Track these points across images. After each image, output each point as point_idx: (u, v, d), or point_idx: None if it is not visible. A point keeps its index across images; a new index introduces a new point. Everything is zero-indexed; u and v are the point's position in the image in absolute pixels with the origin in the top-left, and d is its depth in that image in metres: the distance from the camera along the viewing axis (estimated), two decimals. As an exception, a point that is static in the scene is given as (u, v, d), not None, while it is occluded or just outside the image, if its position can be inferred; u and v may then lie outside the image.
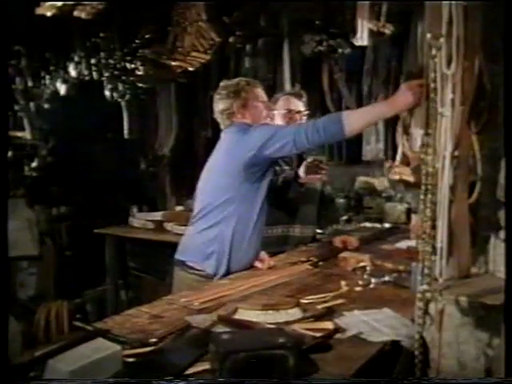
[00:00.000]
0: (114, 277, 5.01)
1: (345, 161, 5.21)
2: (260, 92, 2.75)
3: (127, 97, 5.39)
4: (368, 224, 3.98)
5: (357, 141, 5.06)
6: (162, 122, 5.80)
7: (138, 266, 4.96)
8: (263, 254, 2.76)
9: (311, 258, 2.72)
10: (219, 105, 2.74)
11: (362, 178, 4.81)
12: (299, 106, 3.18)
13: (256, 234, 2.65)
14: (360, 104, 4.80)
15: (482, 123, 1.54)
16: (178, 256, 2.72)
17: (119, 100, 5.40)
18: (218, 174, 2.67)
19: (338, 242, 3.08)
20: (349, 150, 5.19)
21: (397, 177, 2.43)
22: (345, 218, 4.22)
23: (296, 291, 2.23)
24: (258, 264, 2.69)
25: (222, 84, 2.83)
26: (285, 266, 2.68)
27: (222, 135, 2.76)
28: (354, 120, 2.35)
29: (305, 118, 3.21)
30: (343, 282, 2.29)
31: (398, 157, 2.34)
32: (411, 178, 2.18)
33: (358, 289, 2.26)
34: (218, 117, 2.77)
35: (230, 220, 2.57)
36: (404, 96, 2.10)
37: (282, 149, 2.46)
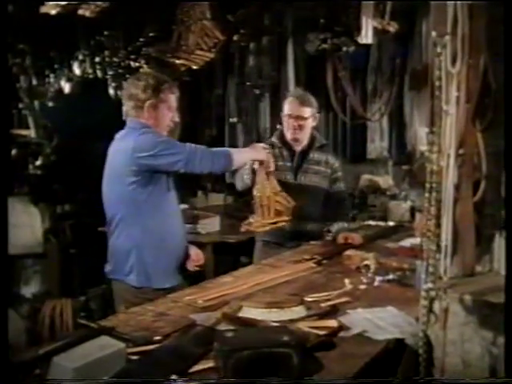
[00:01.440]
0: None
1: (349, 159, 5.20)
2: (174, 100, 2.60)
3: (131, 95, 5.39)
4: (372, 222, 3.97)
5: (361, 139, 5.07)
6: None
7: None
8: (195, 253, 2.69)
9: (315, 256, 2.72)
10: (131, 89, 2.53)
11: (366, 176, 4.81)
12: (301, 111, 3.11)
13: (171, 239, 2.53)
14: (365, 102, 4.80)
15: (487, 121, 1.54)
16: (107, 268, 2.60)
17: (123, 98, 5.40)
18: (113, 180, 2.53)
19: (340, 238, 3.08)
20: (353, 148, 5.19)
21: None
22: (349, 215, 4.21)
23: (300, 289, 2.23)
24: (189, 264, 2.63)
25: (145, 70, 2.74)
26: (288, 264, 2.67)
27: (123, 132, 2.61)
28: (239, 157, 2.62)
29: (308, 124, 3.16)
30: (347, 280, 2.29)
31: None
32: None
33: (362, 287, 2.26)
34: (124, 100, 2.58)
35: (135, 231, 2.45)
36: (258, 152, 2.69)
37: (172, 164, 2.44)
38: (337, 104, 4.81)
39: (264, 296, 2.10)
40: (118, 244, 2.52)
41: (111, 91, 5.25)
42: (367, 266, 2.51)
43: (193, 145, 2.50)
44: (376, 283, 2.31)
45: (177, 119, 2.63)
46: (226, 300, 2.07)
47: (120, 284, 2.51)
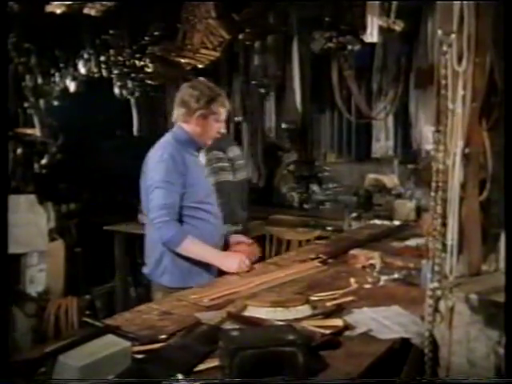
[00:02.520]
0: (124, 273, 5.03)
1: (354, 158, 5.20)
2: (224, 113, 2.68)
3: (136, 94, 5.40)
4: (377, 221, 3.96)
5: (366, 138, 5.06)
6: (171, 119, 5.80)
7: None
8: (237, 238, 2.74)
9: (320, 256, 2.71)
10: (185, 96, 2.63)
11: (371, 176, 4.79)
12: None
13: (207, 240, 2.56)
14: (370, 101, 4.79)
15: (493, 120, 1.54)
16: (145, 270, 2.72)
17: (128, 97, 5.41)
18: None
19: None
20: (358, 147, 5.19)
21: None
22: (354, 215, 4.20)
23: (305, 288, 2.23)
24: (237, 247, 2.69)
25: (202, 80, 2.79)
26: (294, 263, 2.67)
27: (168, 134, 2.71)
28: (190, 247, 2.49)
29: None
30: (352, 280, 2.29)
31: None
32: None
33: (367, 286, 2.26)
34: (176, 105, 2.68)
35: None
36: (230, 263, 2.50)
37: (149, 202, 2.52)
38: (342, 103, 4.80)
39: (269, 295, 2.10)
40: (152, 244, 2.63)
41: (116, 90, 5.26)
42: (372, 265, 2.51)
43: (177, 203, 2.51)
44: (381, 282, 2.31)
45: (223, 130, 2.74)
46: (231, 299, 2.07)
47: (156, 285, 2.63)
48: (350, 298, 2.07)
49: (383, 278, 2.34)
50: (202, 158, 2.96)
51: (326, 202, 4.72)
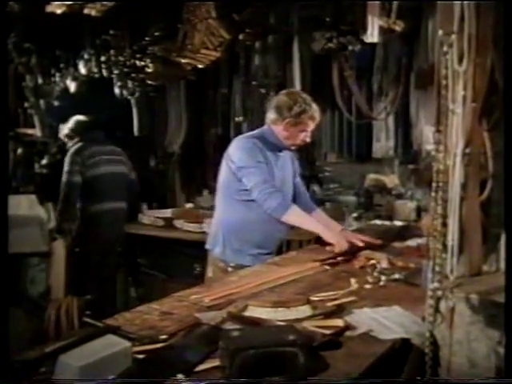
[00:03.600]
0: (124, 274, 5.03)
1: (355, 158, 5.20)
2: (312, 126, 2.91)
3: (137, 94, 5.41)
4: (378, 221, 3.97)
5: (367, 138, 5.06)
6: (171, 119, 5.82)
7: (147, 263, 4.98)
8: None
9: (326, 259, 2.68)
10: (280, 103, 2.90)
11: (372, 176, 4.80)
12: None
13: (254, 225, 2.90)
14: (370, 101, 4.80)
15: (493, 120, 1.54)
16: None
17: (129, 97, 5.42)
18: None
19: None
20: (359, 147, 5.20)
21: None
22: (355, 215, 4.21)
23: (306, 289, 2.22)
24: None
25: (298, 91, 3.15)
26: (295, 263, 2.66)
27: (258, 130, 3.04)
28: (294, 216, 2.80)
29: None
30: (353, 280, 2.29)
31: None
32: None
33: (367, 286, 2.26)
34: (269, 108, 2.98)
35: (228, 211, 2.98)
36: (341, 242, 2.75)
37: (246, 184, 2.82)
38: (342, 103, 4.81)
39: (270, 295, 2.10)
40: (215, 221, 3.03)
41: (116, 90, 5.27)
42: (373, 266, 2.51)
43: (269, 177, 2.82)
44: (382, 283, 2.31)
45: (308, 140, 2.97)
46: (231, 299, 2.07)
47: (210, 257, 3.00)
48: (350, 299, 2.07)
49: (384, 278, 2.34)
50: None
51: (326, 202, 4.71)
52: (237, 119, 5.35)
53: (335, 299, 2.05)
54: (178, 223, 4.75)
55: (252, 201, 2.83)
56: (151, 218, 5.00)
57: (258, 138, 2.92)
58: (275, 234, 2.99)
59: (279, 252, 3.11)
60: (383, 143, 4.92)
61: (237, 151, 2.89)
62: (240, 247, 2.91)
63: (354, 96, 4.81)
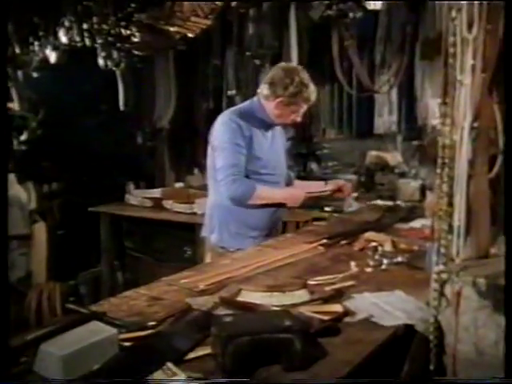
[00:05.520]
0: (110, 257, 5.04)
1: (355, 134, 5.19)
2: (305, 107, 2.92)
3: (122, 65, 5.35)
4: (380, 202, 3.97)
5: (368, 112, 5.05)
6: (160, 92, 5.77)
7: (134, 246, 4.99)
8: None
9: (323, 240, 2.69)
10: (275, 79, 2.86)
11: (373, 153, 4.79)
12: None
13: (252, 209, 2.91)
14: (372, 73, 4.77)
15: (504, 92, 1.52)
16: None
17: (114, 69, 5.36)
18: None
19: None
20: (359, 123, 5.18)
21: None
22: (355, 195, 4.19)
23: (303, 272, 2.23)
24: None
25: (297, 67, 3.00)
26: (291, 245, 2.67)
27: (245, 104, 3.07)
28: (260, 196, 2.84)
29: None
30: (353, 263, 2.29)
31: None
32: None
33: (368, 270, 2.27)
34: (264, 81, 2.95)
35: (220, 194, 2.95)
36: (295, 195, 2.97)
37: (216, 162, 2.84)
38: (342, 75, 4.78)
39: (264, 279, 2.10)
40: (209, 204, 3.02)
41: (100, 61, 5.20)
42: (375, 248, 2.51)
43: (243, 163, 2.81)
44: (383, 266, 2.31)
45: (299, 120, 2.97)
46: (224, 283, 2.07)
47: (207, 244, 3.03)
48: (350, 283, 2.08)
49: (385, 261, 2.34)
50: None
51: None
52: (229, 92, 5.31)
53: (334, 283, 2.06)
54: (168, 204, 4.74)
55: None
56: (138, 198, 4.99)
57: (246, 112, 2.91)
58: (273, 214, 2.98)
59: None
60: (385, 118, 4.91)
61: (218, 128, 2.89)
62: (238, 230, 2.91)
63: (354, 68, 4.78)
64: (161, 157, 6.00)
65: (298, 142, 5.27)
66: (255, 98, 2.98)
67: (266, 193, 2.87)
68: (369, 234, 2.71)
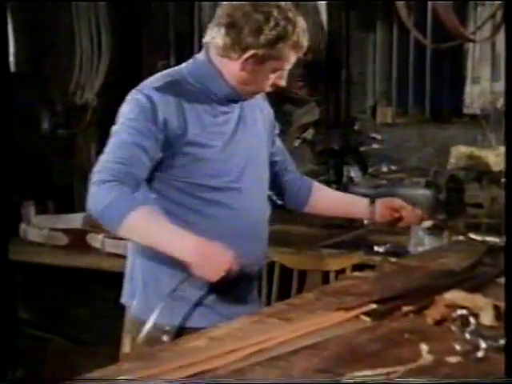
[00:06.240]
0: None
1: (429, 116, 5.23)
2: (292, 61, 2.91)
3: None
4: (475, 236, 3.98)
5: (453, 77, 5.10)
6: (81, 43, 5.82)
7: (36, 319, 4.99)
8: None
9: (371, 306, 2.70)
10: (236, 18, 2.79)
11: (462, 149, 4.81)
12: None
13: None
14: (463, 11, 4.81)
15: None
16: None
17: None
18: None
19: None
20: (436, 97, 5.22)
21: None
22: (429, 223, 4.19)
23: (334, 362, 2.23)
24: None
25: (285, 4, 2.87)
26: (312, 314, 2.68)
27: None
28: (137, 223, 2.70)
29: None
30: (424, 347, 2.29)
31: None
32: None
33: (452, 360, 2.27)
34: (213, 26, 2.90)
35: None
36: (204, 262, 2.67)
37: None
38: (408, 13, 4.83)
39: (269, 372, 2.10)
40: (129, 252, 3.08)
41: None
42: (463, 320, 2.52)
43: (140, 164, 2.81)
44: (480, 353, 2.31)
45: (283, 83, 2.98)
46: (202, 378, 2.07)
47: (127, 315, 3.03)
48: (419, 382, 2.08)
49: (483, 343, 2.34)
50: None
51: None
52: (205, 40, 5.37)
53: (389, 383, 2.06)
54: (95, 240, 4.77)
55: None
56: (44, 230, 5.00)
57: (182, 80, 2.94)
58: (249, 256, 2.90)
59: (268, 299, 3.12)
60: (484, 86, 4.93)
61: (122, 107, 3.00)
62: (173, 296, 2.78)
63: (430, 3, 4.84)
64: (83, 154, 6.03)
65: (325, 130, 5.29)
66: (200, 55, 3.00)
67: (144, 225, 2.75)
68: (453, 296, 2.71)
